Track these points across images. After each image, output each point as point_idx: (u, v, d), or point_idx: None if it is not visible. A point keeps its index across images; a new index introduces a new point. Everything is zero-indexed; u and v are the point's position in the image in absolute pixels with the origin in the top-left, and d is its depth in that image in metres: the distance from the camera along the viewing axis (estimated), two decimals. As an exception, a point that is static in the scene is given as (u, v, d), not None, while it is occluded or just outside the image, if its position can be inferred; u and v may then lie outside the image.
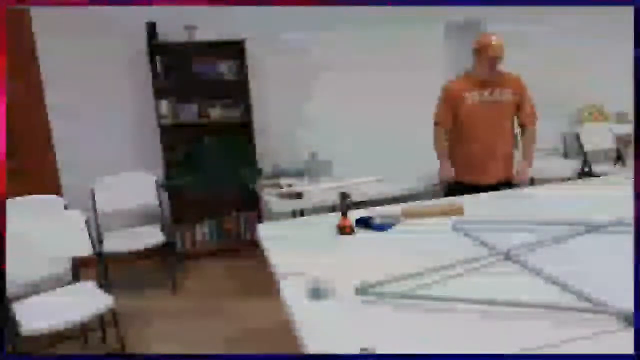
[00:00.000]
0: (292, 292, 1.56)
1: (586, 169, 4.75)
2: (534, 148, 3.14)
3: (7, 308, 2.31)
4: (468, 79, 3.04)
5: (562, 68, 5.00)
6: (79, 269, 2.84)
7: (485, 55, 2.89)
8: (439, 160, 3.15)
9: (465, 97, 2.98)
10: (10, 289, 2.33)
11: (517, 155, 3.19)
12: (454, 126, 3.08)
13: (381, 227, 2.14)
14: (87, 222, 2.81)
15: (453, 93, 3.02)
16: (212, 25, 4.03)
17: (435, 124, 3.12)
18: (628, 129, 4.93)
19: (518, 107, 3.08)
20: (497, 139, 3.05)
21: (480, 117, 2.99)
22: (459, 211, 2.32)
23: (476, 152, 3.04)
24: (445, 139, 3.11)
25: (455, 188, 3.02)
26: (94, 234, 2.90)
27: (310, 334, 1.31)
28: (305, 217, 2.85)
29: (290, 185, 3.68)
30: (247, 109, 4.17)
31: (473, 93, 2.98)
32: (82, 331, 2.91)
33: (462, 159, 3.09)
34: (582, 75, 5.03)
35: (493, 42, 2.87)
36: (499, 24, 4.73)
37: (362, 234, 2.12)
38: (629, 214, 1.89)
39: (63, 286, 2.72)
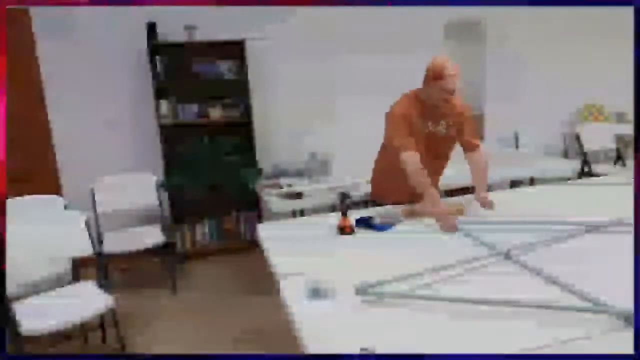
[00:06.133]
0: (292, 292, 1.56)
1: (586, 169, 4.75)
2: (487, 172, 2.63)
3: (7, 308, 2.31)
4: (416, 102, 2.57)
5: (563, 68, 5.00)
6: (79, 269, 2.83)
7: (440, 86, 2.42)
8: (426, 200, 2.36)
9: (416, 123, 2.53)
10: (10, 289, 2.32)
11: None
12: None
13: (381, 227, 2.15)
14: (87, 222, 2.81)
15: (409, 118, 2.51)
16: (212, 25, 4.02)
17: (405, 149, 2.44)
18: (628, 129, 4.93)
19: (458, 134, 2.64)
20: (434, 174, 2.61)
21: (426, 147, 2.53)
22: (459, 211, 2.33)
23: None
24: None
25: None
26: (94, 234, 2.90)
27: (310, 334, 1.31)
28: (305, 217, 2.86)
29: (290, 185, 3.68)
30: (247, 109, 4.16)
31: (420, 120, 2.54)
32: (82, 331, 2.90)
33: (400, 188, 2.50)
34: (582, 76, 5.03)
35: (451, 73, 2.39)
36: (499, 24, 4.75)
37: (362, 234, 2.12)
38: (629, 214, 1.89)
39: (63, 286, 2.72)
